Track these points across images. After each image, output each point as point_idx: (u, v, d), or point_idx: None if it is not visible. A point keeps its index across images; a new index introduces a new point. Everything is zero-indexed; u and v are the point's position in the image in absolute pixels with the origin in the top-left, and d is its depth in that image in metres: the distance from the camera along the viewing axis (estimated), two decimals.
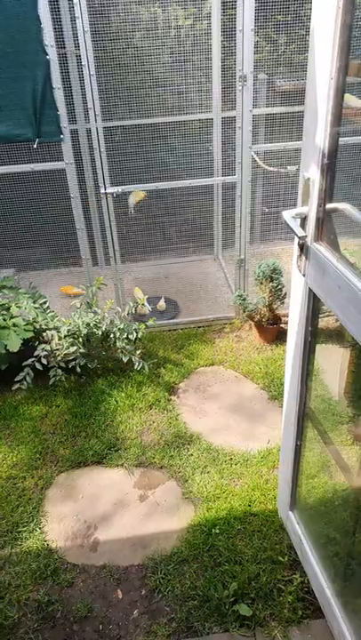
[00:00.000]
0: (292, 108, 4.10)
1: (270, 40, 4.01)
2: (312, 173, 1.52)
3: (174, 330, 3.98)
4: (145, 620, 2.18)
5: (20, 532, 2.55)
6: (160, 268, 4.89)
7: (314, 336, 1.79)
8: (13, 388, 3.15)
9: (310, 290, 1.69)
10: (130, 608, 2.23)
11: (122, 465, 2.89)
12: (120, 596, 2.27)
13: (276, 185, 4.50)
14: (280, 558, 2.34)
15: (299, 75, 4.12)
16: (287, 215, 1.58)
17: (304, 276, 1.69)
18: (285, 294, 3.64)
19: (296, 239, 1.66)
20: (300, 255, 1.68)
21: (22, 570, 2.38)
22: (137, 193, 3.77)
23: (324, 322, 1.88)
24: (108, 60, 3.89)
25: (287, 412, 2.10)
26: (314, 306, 1.73)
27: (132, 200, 3.80)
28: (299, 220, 1.61)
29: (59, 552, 2.46)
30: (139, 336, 3.36)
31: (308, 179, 1.53)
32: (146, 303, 3.75)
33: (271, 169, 3.72)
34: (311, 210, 1.56)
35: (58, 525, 2.60)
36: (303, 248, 1.65)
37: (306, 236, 1.57)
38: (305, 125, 1.52)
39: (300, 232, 1.54)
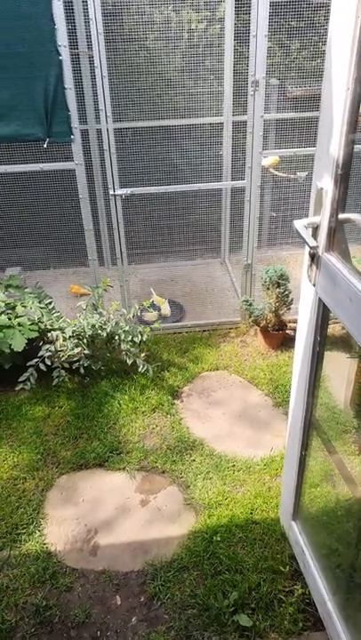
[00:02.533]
0: (303, 114, 4.08)
1: (283, 46, 4.00)
2: (325, 183, 1.50)
3: (179, 333, 3.96)
4: (143, 627, 2.16)
5: (20, 534, 2.54)
6: (166, 270, 4.88)
7: (322, 346, 1.77)
8: (17, 389, 3.14)
9: (320, 300, 1.67)
10: (128, 615, 2.21)
11: (124, 469, 2.88)
12: (119, 603, 2.25)
13: (283, 190, 4.49)
14: (281, 568, 2.32)
15: (310, 81, 4.10)
16: (299, 224, 1.57)
17: (314, 285, 1.68)
18: (292, 300, 3.62)
19: (307, 248, 1.65)
20: (311, 265, 1.66)
21: (20, 573, 2.36)
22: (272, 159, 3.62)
23: (331, 329, 1.86)
24: (120, 61, 3.88)
25: (293, 421, 2.08)
26: (323, 316, 1.71)
27: (266, 163, 3.63)
28: (310, 230, 1.59)
29: (58, 555, 2.45)
30: (144, 339, 3.35)
31: (321, 189, 1.52)
32: (152, 308, 3.73)
33: (281, 175, 3.70)
34: (323, 220, 1.54)
35: (58, 528, 2.59)
36: (314, 258, 1.63)
37: (318, 247, 1.55)
38: (319, 135, 1.50)
39: (312, 242, 1.52)
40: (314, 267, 1.64)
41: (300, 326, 1.85)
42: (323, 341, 1.76)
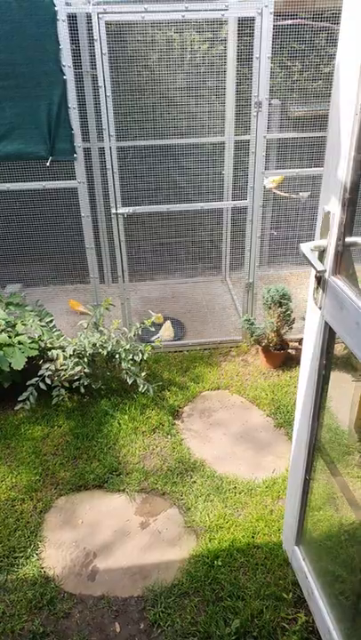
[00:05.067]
0: (305, 134, 4.11)
1: (284, 67, 4.04)
2: (332, 207, 1.50)
3: (180, 351, 3.94)
4: None
5: (17, 557, 2.49)
6: (167, 287, 4.87)
7: (328, 370, 1.75)
8: (16, 408, 3.11)
9: (326, 323, 1.65)
10: None
11: (123, 490, 2.83)
12: (118, 630, 2.20)
13: (284, 209, 4.50)
14: (284, 595, 2.27)
15: (312, 102, 4.14)
16: (305, 248, 1.55)
17: (320, 309, 1.66)
18: (294, 320, 3.61)
19: (313, 271, 1.63)
20: (317, 288, 1.64)
21: (17, 598, 2.31)
22: (276, 179, 3.63)
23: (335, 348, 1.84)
24: (123, 81, 3.91)
25: (296, 445, 2.05)
26: (329, 340, 1.69)
27: (271, 185, 3.63)
28: (317, 253, 1.58)
29: (56, 580, 2.40)
30: (144, 357, 3.32)
31: (329, 212, 1.51)
32: (153, 327, 3.70)
33: (284, 195, 3.71)
34: (330, 243, 1.53)
35: (56, 552, 2.54)
36: (320, 281, 1.62)
37: (325, 271, 1.54)
38: (326, 158, 1.50)
39: (319, 266, 1.51)
40: (320, 290, 1.63)
41: (306, 349, 1.83)
42: (329, 365, 1.74)
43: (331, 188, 1.50)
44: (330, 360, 1.74)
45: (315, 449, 1.96)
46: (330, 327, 1.64)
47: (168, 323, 4.11)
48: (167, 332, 4.02)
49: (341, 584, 2.12)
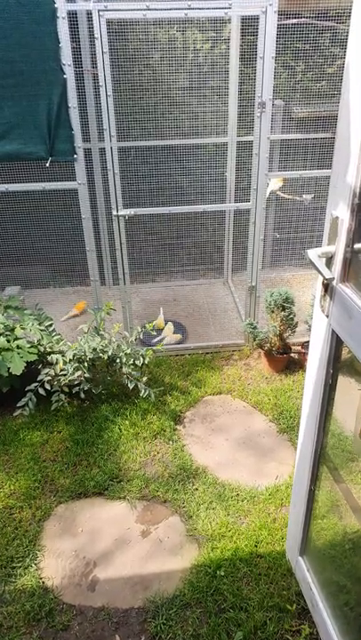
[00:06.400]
0: (309, 135, 4.06)
1: (288, 67, 3.98)
2: (341, 212, 1.44)
3: (182, 355, 3.88)
4: None
5: (15, 567, 2.44)
6: (169, 289, 4.82)
7: (335, 379, 1.70)
8: (15, 414, 3.06)
9: (333, 332, 1.60)
10: None
11: (124, 497, 2.78)
12: None
13: (287, 211, 4.45)
14: (288, 606, 2.22)
15: (315, 102, 4.08)
16: (313, 254, 1.50)
17: (327, 317, 1.61)
18: (297, 323, 3.55)
19: (320, 278, 1.58)
20: (325, 295, 1.59)
21: (15, 610, 2.26)
22: (278, 180, 3.60)
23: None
24: (124, 80, 3.86)
25: (301, 455, 2.00)
26: (336, 348, 1.64)
27: (275, 187, 3.60)
28: (324, 260, 1.53)
29: (55, 591, 2.35)
30: (146, 362, 3.27)
31: (337, 217, 1.46)
32: (155, 332, 3.66)
33: (287, 197, 3.66)
34: (338, 250, 1.48)
35: (55, 561, 2.49)
36: (328, 288, 1.57)
37: (333, 278, 1.48)
38: (335, 162, 1.45)
39: (327, 274, 1.46)
40: (327, 297, 1.58)
41: (312, 358, 1.78)
42: (336, 374, 1.69)
43: (339, 193, 1.44)
44: (337, 369, 1.68)
45: (320, 459, 1.91)
46: (337, 336, 1.59)
47: (170, 325, 4.06)
48: (171, 334, 3.98)
49: (346, 595, 2.08)
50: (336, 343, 1.63)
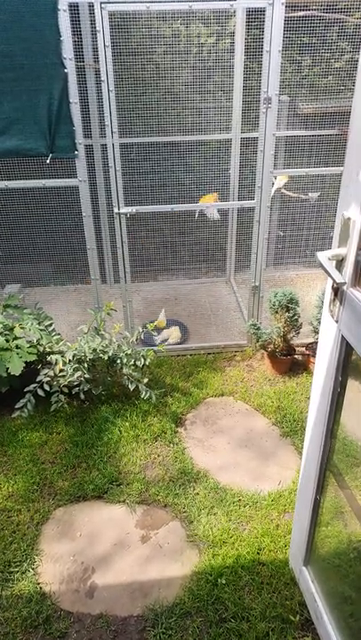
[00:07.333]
0: (315, 132, 3.98)
1: (294, 62, 3.91)
2: (353, 213, 1.38)
3: (183, 355, 3.82)
4: None
5: (12, 572, 2.38)
6: (170, 288, 4.75)
7: (344, 387, 1.64)
8: (14, 415, 3.00)
9: (343, 338, 1.54)
10: None
11: (123, 501, 2.73)
12: None
13: (291, 209, 4.38)
14: (291, 617, 2.17)
15: (322, 98, 4.01)
16: (322, 257, 1.44)
17: (337, 322, 1.55)
18: (301, 324, 3.49)
19: (329, 282, 1.52)
20: (334, 300, 1.53)
21: (12, 616, 2.21)
22: (283, 177, 3.54)
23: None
24: (127, 75, 3.78)
25: (307, 463, 1.94)
26: (346, 355, 1.57)
27: (279, 184, 3.54)
28: (335, 262, 1.46)
29: (52, 597, 2.29)
30: (146, 362, 3.21)
31: (349, 218, 1.39)
32: (156, 332, 3.59)
33: (293, 195, 3.59)
34: (350, 252, 1.41)
35: (53, 566, 2.43)
36: (338, 292, 1.50)
37: (344, 283, 1.42)
38: (347, 162, 1.38)
39: (338, 278, 1.39)
40: (337, 302, 1.51)
41: (319, 365, 1.72)
42: (345, 381, 1.63)
43: (351, 193, 1.38)
44: (346, 376, 1.62)
45: (326, 468, 1.85)
46: (347, 342, 1.53)
47: (177, 329, 3.99)
48: (173, 334, 3.91)
49: (351, 606, 2.02)
50: (346, 349, 1.57)
